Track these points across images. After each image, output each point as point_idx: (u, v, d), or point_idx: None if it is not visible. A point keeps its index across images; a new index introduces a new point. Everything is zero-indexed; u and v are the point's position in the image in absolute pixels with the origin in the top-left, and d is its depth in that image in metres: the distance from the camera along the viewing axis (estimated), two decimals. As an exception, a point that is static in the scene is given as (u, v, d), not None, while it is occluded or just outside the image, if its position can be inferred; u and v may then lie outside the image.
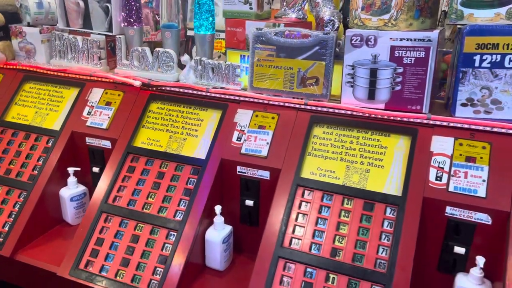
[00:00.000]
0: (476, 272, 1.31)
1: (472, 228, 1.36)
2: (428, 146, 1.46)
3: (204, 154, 1.69)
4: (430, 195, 1.39)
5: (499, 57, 1.36)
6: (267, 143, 1.63)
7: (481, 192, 1.35)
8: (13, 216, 1.77)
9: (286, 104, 1.68)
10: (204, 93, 1.81)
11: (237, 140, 1.68)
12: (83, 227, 1.65)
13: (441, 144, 1.45)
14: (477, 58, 1.39)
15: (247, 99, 1.74)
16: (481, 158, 1.39)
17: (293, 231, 1.46)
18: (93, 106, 1.95)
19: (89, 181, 1.95)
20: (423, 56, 1.44)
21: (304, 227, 1.46)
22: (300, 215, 1.48)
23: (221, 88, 1.82)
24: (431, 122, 1.48)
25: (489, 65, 1.38)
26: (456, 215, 1.37)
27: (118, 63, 2.03)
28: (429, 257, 1.46)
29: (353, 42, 1.52)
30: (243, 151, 1.65)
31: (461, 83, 1.43)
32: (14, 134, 2.00)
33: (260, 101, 1.72)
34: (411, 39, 1.44)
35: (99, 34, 2.10)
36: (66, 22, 2.18)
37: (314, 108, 1.64)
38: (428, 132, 1.48)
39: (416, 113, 1.50)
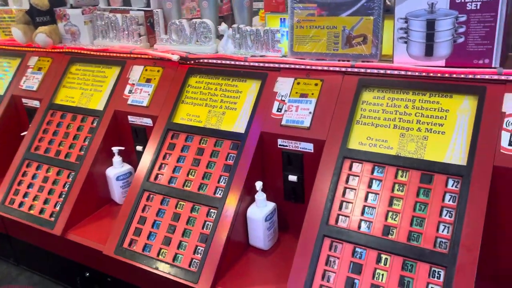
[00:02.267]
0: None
1: (557, 202, 1.13)
2: (499, 106, 1.24)
3: (243, 128, 1.58)
4: (503, 164, 1.17)
5: None
6: (310, 112, 1.49)
7: None
8: (63, 196, 1.80)
9: (331, 68, 1.51)
10: (242, 63, 1.69)
11: (277, 111, 1.55)
12: (127, 206, 1.64)
13: (516, 103, 1.22)
14: None
15: (287, 66, 1.60)
16: None
17: (340, 208, 1.32)
18: (134, 84, 1.92)
19: (134, 159, 1.93)
20: (492, -1, 1.21)
21: (352, 203, 1.31)
22: (347, 190, 1.33)
23: (261, 56, 1.69)
24: (503, 77, 1.25)
25: None
26: (537, 186, 1.15)
27: (158, 38, 1.97)
28: (506, 235, 1.25)
29: (405, -10, 1.32)
30: (283, 122, 1.52)
31: (541, 27, 1.18)
32: (63, 116, 2.03)
33: (302, 66, 1.57)
34: (476, -21, 1.21)
35: (137, 10, 2.05)
36: (107, 1, 2.16)
37: (362, 70, 1.46)
38: (499, 89, 1.26)
39: (484, 68, 1.28)
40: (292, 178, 1.54)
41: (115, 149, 1.85)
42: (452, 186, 1.22)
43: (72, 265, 1.84)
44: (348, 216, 1.30)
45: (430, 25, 1.31)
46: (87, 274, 1.82)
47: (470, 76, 1.29)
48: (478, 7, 1.23)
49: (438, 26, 1.30)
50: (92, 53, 2.10)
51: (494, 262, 1.29)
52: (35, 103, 2.17)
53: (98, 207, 1.91)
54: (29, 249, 1.99)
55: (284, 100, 1.55)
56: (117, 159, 1.87)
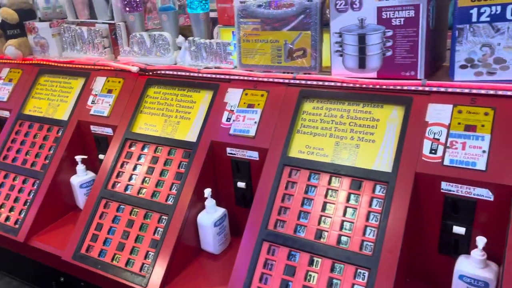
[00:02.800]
0: (477, 254, 1.17)
1: (472, 205, 1.21)
2: (423, 116, 1.31)
3: (195, 137, 1.66)
4: (423, 170, 1.25)
5: (499, 8, 1.17)
6: (255, 122, 1.56)
7: (481, 164, 1.19)
8: (27, 203, 1.87)
9: (276, 80, 1.59)
10: (197, 74, 1.77)
11: (226, 120, 1.63)
12: (85, 213, 1.71)
13: (437, 113, 1.29)
14: (474, 11, 1.20)
15: (237, 77, 1.67)
16: (483, 126, 1.23)
17: (279, 213, 1.39)
18: (96, 94, 1.99)
19: (98, 168, 2.00)
20: (413, 16, 1.29)
21: (289, 208, 1.38)
22: (286, 196, 1.41)
23: (215, 67, 1.76)
24: (427, 88, 1.33)
25: (488, 19, 1.19)
26: (453, 191, 1.23)
27: (121, 50, 2.05)
28: (429, 238, 1.33)
29: (337, 6, 1.39)
30: (231, 132, 1.59)
31: (458, 42, 1.25)
32: (31, 126, 2.10)
33: (250, 78, 1.64)
34: (398, -3, 1.29)
35: (102, 23, 2.13)
36: (74, 14, 2.23)
37: (303, 82, 1.54)
38: (424, 100, 1.33)
39: (411, 79, 1.35)
40: (241, 184, 1.62)
41: (78, 158, 1.92)
42: (379, 191, 1.30)
43: (47, 270, 1.89)
44: (286, 221, 1.37)
45: (361, 39, 1.39)
46: (62, 279, 1.88)
47: (398, 87, 1.37)
48: (402, 23, 1.31)
49: (368, 40, 1.38)
50: (59, 64, 2.17)
51: (421, 263, 1.36)
52: (5, 114, 2.24)
53: (63, 213, 1.98)
54: (7, 255, 2.05)
55: (233, 110, 1.63)
56: (80, 167, 1.94)
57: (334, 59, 1.47)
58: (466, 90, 1.27)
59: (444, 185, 1.23)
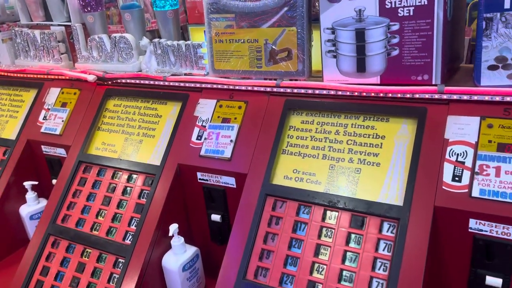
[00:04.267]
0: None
1: (511, 250, 0.92)
2: (441, 132, 1.02)
3: (159, 160, 1.36)
4: (445, 204, 0.96)
5: (542, -11, 0.89)
6: (231, 140, 1.27)
7: (522, 197, 0.90)
8: (-33, 241, 1.57)
9: (256, 88, 1.30)
10: (162, 83, 1.47)
11: (197, 139, 1.33)
12: (30, 254, 1.41)
13: (460, 128, 1.01)
14: (508, -5, 0.92)
15: (209, 85, 1.38)
16: (522, 145, 0.94)
17: (260, 258, 1.10)
18: (49, 108, 1.70)
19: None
20: (426, 3, 1.00)
21: (273, 251, 1.09)
22: (269, 236, 1.11)
23: (184, 74, 1.47)
24: (445, 96, 1.04)
25: (527, 4, 0.91)
26: (486, 231, 0.93)
27: (79, 56, 1.75)
28: (454, 283, 1.03)
29: (329, -5, 1.11)
30: (203, 152, 1.30)
31: (485, 36, 0.97)
32: (-26, 147, 1.80)
33: (225, 86, 1.35)
34: (406, -20, 1.00)
35: (58, 25, 1.83)
36: (28, 16, 1.94)
37: (288, 90, 1.25)
38: (441, 111, 1.04)
39: (424, 85, 1.06)
40: (215, 217, 1.32)
41: (27, 184, 1.62)
42: (387, 231, 1.00)
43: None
44: (269, 269, 1.07)
45: (360, 36, 1.10)
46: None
47: (408, 96, 1.08)
48: (412, 13, 1.02)
49: (369, 36, 1.09)
50: (9, 74, 1.88)
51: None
52: None
53: (12, 250, 1.68)
54: None
55: (205, 126, 1.34)
56: (30, 195, 1.63)
57: (326, 62, 1.18)
58: (497, 98, 0.98)
59: (473, 224, 0.94)
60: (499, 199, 0.91)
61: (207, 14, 1.31)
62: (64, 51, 1.82)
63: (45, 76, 1.78)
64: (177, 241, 1.27)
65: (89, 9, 1.70)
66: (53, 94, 1.73)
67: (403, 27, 1.05)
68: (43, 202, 1.66)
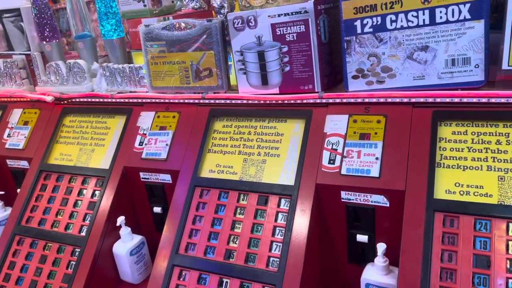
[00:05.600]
0: (379, 261, 1.18)
1: (371, 212, 1.22)
2: (322, 128, 1.33)
3: (108, 164, 1.62)
4: (323, 181, 1.26)
5: (379, 19, 1.21)
6: (167, 144, 1.54)
7: (375, 171, 1.20)
8: None
9: (186, 101, 1.58)
10: (110, 100, 1.74)
11: (139, 145, 1.60)
12: (-3, 252, 1.62)
13: (334, 124, 1.31)
14: (358, 23, 1.24)
15: (149, 100, 1.66)
16: (376, 134, 1.25)
17: (190, 236, 1.36)
18: (12, 127, 1.92)
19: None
20: (304, 30, 1.31)
21: (200, 230, 1.36)
22: (197, 218, 1.38)
23: (130, 92, 1.74)
24: (324, 100, 1.35)
25: (371, 30, 1.23)
26: (353, 199, 1.24)
27: (38, 80, 2.00)
28: (339, 249, 1.33)
29: (235, 25, 1.41)
30: (144, 155, 1.56)
31: (347, 53, 1.29)
32: None
33: (161, 100, 1.63)
34: (288, 14, 1.31)
35: (19, 54, 2.07)
36: (-7, 46, 2.17)
37: (212, 101, 1.53)
38: (322, 112, 1.35)
39: (309, 93, 1.37)
40: (157, 209, 1.58)
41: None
42: (284, 205, 1.29)
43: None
44: (196, 244, 1.34)
45: (261, 56, 1.41)
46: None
47: (299, 101, 1.38)
48: (295, 38, 1.33)
49: (267, 57, 1.40)
50: (-26, 99, 2.09)
51: (334, 273, 1.35)
52: None
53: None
54: None
55: (145, 134, 1.60)
56: (125, 231, 1.54)
57: (239, 77, 1.48)
58: (360, 100, 1.30)
59: (344, 194, 1.24)
60: (360, 174, 1.22)
61: (143, 41, 1.60)
62: (25, 76, 2.06)
63: (8, 99, 2.01)
64: (125, 230, 1.52)
65: (47, 39, 1.95)
66: (15, 115, 1.96)
67: (291, 49, 1.36)
68: (9, 210, 1.88)
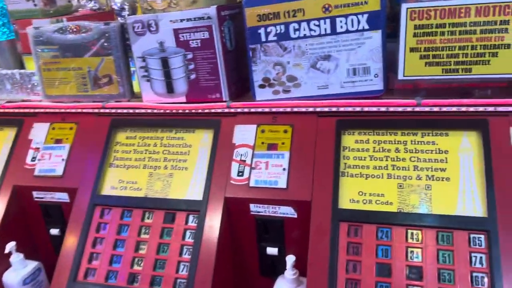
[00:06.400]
0: (288, 274, 1.15)
1: (280, 224, 1.20)
2: (231, 138, 1.28)
3: (-5, 183, 1.43)
4: (232, 194, 1.21)
5: (283, 27, 1.19)
6: (63, 159, 1.40)
7: (282, 182, 1.18)
8: None
9: (85, 110, 1.45)
10: (-3, 110, 1.54)
11: (31, 160, 1.43)
12: None
13: (243, 134, 1.27)
14: (262, 31, 1.21)
15: (42, 110, 1.49)
16: (283, 144, 1.23)
17: (90, 261, 1.24)
18: None
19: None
20: (208, 37, 1.25)
21: (101, 253, 1.24)
22: (98, 240, 1.26)
23: (22, 101, 1.56)
24: (233, 110, 1.30)
25: (275, 38, 1.21)
26: (261, 212, 1.20)
27: None
28: (251, 262, 1.29)
29: (135, 30, 1.31)
30: (37, 172, 1.40)
31: (253, 62, 1.25)
32: None
33: (57, 110, 1.47)
34: (191, 19, 1.25)
35: None
36: None
37: (113, 110, 1.42)
38: (231, 122, 1.31)
39: (217, 102, 1.32)
40: (54, 231, 1.43)
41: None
42: (192, 222, 1.22)
43: None
44: (97, 268, 1.22)
45: (164, 63, 1.32)
46: None
47: (206, 111, 1.32)
48: (199, 45, 1.27)
49: (171, 63, 1.32)
50: None
51: (246, 285, 1.32)
52: None
53: None
54: None
55: (38, 148, 1.44)
56: (16, 258, 1.33)
57: (143, 85, 1.38)
58: (267, 109, 1.27)
59: (253, 207, 1.21)
60: (268, 186, 1.19)
61: (33, 45, 1.43)
62: None
63: None
64: (16, 257, 1.35)
65: None
66: None
67: (195, 56, 1.29)
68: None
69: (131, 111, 1.40)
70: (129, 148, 1.38)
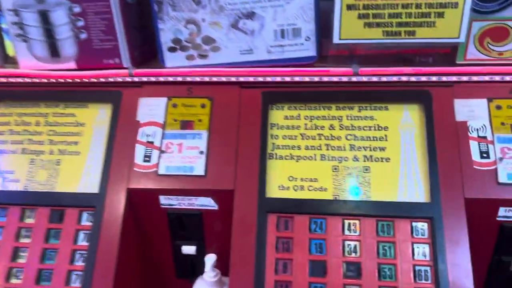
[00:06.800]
0: (207, 276, 0.97)
1: (198, 218, 1.00)
2: (134, 114, 1.04)
3: None
4: (137, 185, 0.98)
5: (199, -25, 0.95)
6: None
7: (199, 169, 0.98)
8: None
9: None
10: None
11: None
12: None
13: (150, 109, 1.04)
14: (164, -21, 0.96)
15: None
16: (200, 121, 1.02)
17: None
18: None
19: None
20: (100, -15, 0.98)
21: (-29, 265, 0.96)
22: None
23: None
24: (136, 79, 1.05)
25: (187, -11, 0.97)
26: (174, 204, 1.00)
27: None
28: (165, 264, 1.09)
29: (0, -29, 0.99)
30: None
31: (159, 18, 1.00)
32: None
33: None
34: (77, -41, 0.96)
35: None
36: None
37: (-20, 80, 1.10)
38: (135, 94, 1.06)
39: (115, 68, 1.06)
40: None
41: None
42: (86, 221, 0.98)
43: None
44: (-34, 286, 0.94)
45: (45, 18, 1.02)
46: None
47: (102, 80, 1.06)
48: (90, -5, 0.99)
49: (54, 18, 1.02)
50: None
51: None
52: None
53: None
54: None
55: None
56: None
57: (18, 46, 1.07)
58: (180, 78, 1.04)
59: (163, 200, 0.99)
60: (182, 173, 0.98)
61: None
62: None
63: None
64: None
65: None
66: None
67: (85, 9, 1.01)
68: None
69: (4, 80, 1.09)
70: (4, 129, 1.08)
